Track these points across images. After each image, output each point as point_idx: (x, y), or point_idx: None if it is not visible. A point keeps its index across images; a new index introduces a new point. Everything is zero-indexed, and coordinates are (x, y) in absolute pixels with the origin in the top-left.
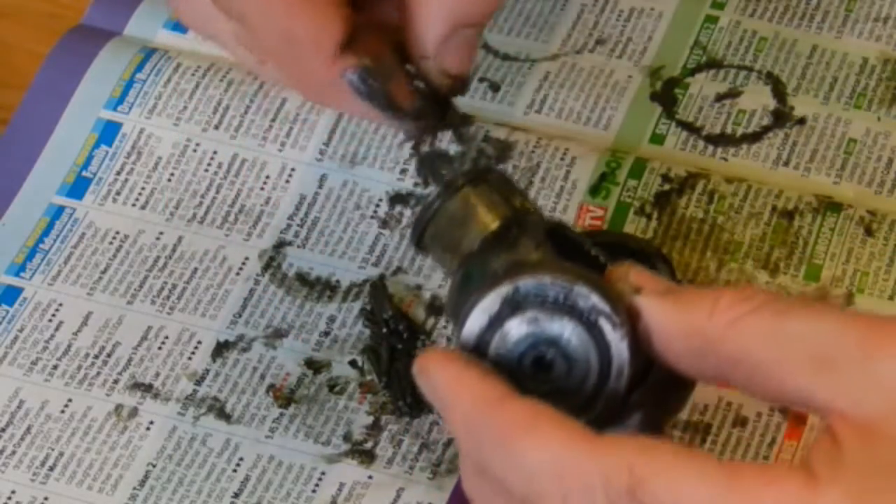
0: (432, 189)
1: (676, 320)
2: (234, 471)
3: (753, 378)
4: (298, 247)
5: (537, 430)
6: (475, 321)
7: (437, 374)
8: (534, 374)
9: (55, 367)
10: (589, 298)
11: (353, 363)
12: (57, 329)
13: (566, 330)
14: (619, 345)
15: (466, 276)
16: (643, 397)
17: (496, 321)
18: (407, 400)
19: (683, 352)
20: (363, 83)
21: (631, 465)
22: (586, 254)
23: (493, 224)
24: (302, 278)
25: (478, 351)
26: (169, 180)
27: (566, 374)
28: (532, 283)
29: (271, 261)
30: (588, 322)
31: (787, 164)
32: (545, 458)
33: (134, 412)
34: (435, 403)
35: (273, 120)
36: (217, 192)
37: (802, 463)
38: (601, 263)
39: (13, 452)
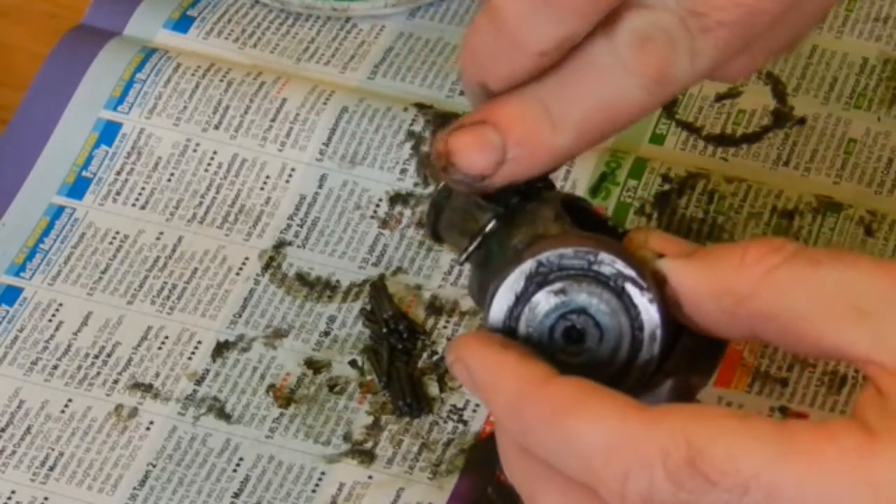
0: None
1: (704, 281)
2: (234, 471)
3: (789, 332)
4: (298, 247)
5: (588, 408)
6: (502, 300)
7: (473, 360)
8: (566, 347)
9: (55, 367)
10: (613, 264)
11: (353, 363)
12: (57, 329)
13: (594, 298)
14: (648, 308)
15: (487, 255)
16: (674, 364)
17: (523, 297)
18: (407, 400)
19: (714, 312)
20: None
21: (687, 436)
22: (602, 223)
23: (509, 201)
24: (302, 278)
25: (508, 329)
26: (169, 180)
27: (598, 344)
28: (555, 255)
29: (271, 261)
30: (615, 289)
31: (787, 164)
32: (599, 437)
33: (134, 412)
34: (474, 390)
35: (273, 120)
36: (217, 192)
37: (855, 417)
38: (618, 232)
39: (13, 452)
